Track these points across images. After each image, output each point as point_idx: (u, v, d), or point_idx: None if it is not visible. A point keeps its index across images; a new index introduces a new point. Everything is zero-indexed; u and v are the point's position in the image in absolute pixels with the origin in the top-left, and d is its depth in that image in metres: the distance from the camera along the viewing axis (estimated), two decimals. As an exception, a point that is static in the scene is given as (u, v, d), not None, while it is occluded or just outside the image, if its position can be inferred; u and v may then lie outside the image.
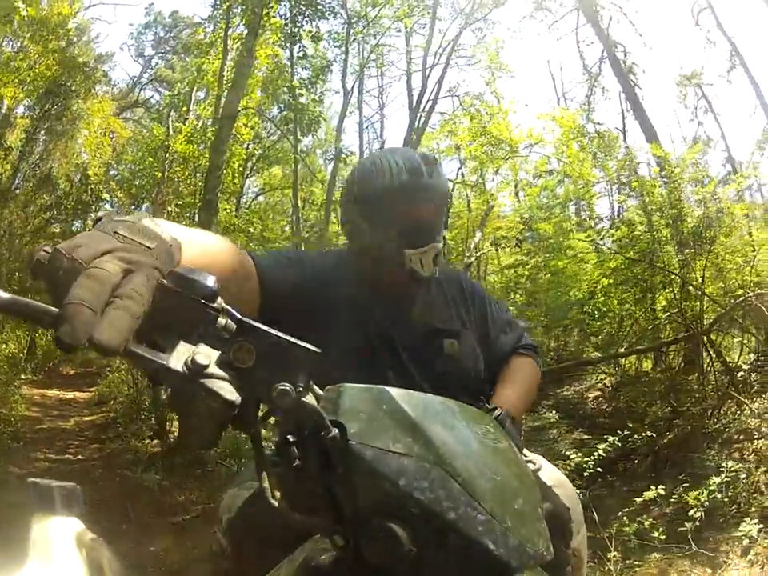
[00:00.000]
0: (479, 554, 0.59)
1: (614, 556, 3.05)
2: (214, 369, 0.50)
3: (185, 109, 9.15)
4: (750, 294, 5.56)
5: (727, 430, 4.48)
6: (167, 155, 7.92)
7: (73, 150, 10.11)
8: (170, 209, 7.50)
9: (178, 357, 0.49)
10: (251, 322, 0.53)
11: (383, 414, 0.63)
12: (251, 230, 9.19)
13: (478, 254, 10.27)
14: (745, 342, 5.83)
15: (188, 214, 7.69)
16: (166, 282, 0.51)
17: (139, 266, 0.49)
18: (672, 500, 3.79)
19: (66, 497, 0.59)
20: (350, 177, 1.40)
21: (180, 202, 7.81)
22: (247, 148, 11.02)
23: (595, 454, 4.04)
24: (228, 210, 9.47)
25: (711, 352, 5.38)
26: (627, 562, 3.19)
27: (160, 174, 7.96)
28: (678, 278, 5.64)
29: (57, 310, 0.47)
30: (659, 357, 7.67)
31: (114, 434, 6.60)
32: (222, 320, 0.52)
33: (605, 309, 6.41)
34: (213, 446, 0.55)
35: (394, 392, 0.65)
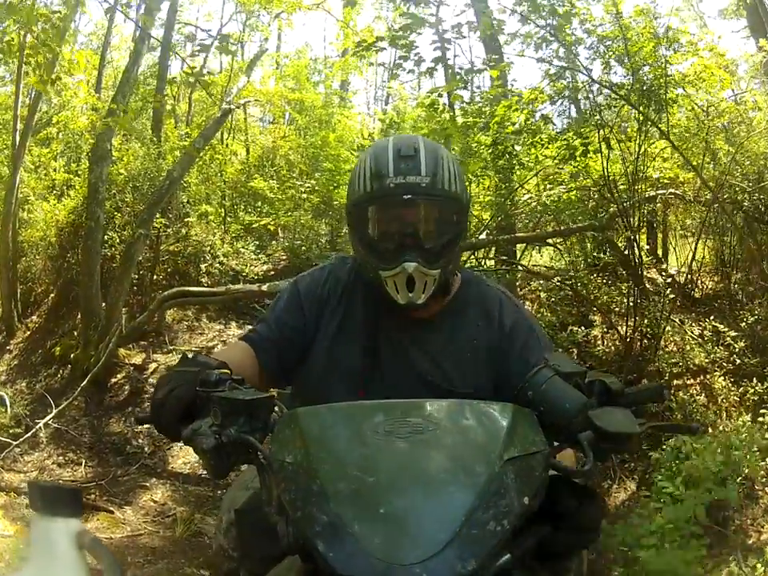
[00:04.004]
0: (315, 555, 0.65)
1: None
2: (204, 430, 0.81)
3: None
4: (671, 191, 4.78)
5: (680, 364, 3.95)
6: None
7: None
8: None
9: (190, 426, 0.83)
10: (218, 394, 0.83)
11: (290, 431, 0.80)
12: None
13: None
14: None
15: None
16: (198, 389, 0.86)
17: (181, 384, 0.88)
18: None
19: (66, 497, 0.61)
20: None
21: None
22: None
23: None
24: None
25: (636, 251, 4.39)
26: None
27: None
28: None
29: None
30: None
31: None
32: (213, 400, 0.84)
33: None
34: (224, 475, 0.82)
35: (303, 410, 0.84)
